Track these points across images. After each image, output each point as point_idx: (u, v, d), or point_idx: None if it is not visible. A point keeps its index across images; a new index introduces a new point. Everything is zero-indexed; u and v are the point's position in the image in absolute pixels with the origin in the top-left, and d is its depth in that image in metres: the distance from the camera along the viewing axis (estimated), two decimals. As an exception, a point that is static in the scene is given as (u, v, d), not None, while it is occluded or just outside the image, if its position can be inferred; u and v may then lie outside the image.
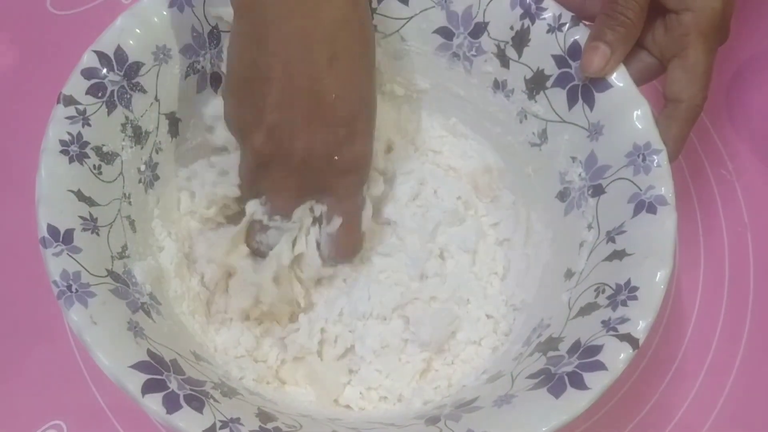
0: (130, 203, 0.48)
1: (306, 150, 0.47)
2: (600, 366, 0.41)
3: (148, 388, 0.39)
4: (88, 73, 0.46)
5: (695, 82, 0.47)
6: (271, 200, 0.50)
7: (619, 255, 0.45)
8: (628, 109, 0.47)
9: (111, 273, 0.43)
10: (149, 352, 0.41)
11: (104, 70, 0.47)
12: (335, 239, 0.51)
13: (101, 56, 0.47)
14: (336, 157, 0.47)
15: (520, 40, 0.51)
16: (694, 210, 0.61)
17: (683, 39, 0.47)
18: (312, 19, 0.44)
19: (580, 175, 0.50)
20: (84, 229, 0.43)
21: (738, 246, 0.60)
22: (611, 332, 0.42)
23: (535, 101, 0.52)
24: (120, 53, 0.47)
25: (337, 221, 0.50)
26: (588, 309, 0.45)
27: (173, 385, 0.40)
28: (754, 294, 0.58)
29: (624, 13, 0.47)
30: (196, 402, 0.39)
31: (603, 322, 0.43)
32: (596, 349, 0.42)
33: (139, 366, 0.40)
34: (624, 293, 0.43)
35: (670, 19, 0.48)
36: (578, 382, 0.40)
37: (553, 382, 0.41)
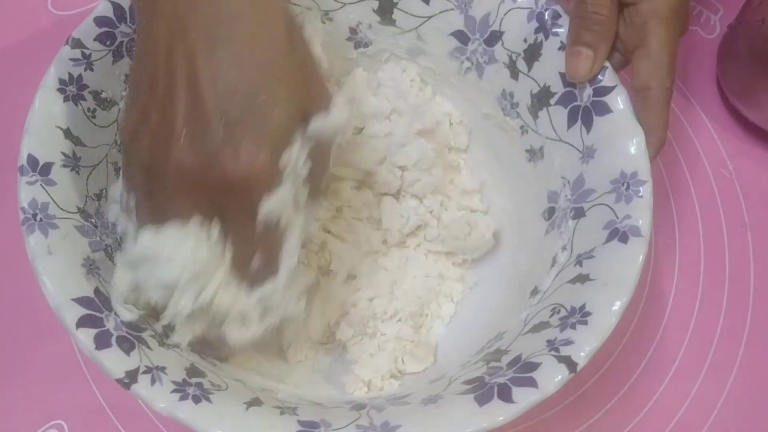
0: (119, 151, 0.49)
1: (180, 159, 0.37)
2: (531, 383, 0.40)
3: (84, 322, 0.40)
4: (100, 21, 0.48)
5: (661, 67, 0.47)
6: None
7: (582, 279, 0.45)
8: (623, 136, 0.47)
9: (81, 211, 0.45)
10: (96, 291, 0.42)
11: (117, 21, 0.49)
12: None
13: (116, 7, 0.48)
14: (217, 169, 0.37)
15: (532, 53, 0.51)
16: (694, 210, 0.60)
17: (644, 27, 0.47)
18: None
19: (566, 196, 0.49)
20: (64, 165, 0.45)
21: (738, 246, 0.59)
22: (552, 352, 0.41)
23: (538, 117, 0.51)
24: (135, 7, 0.49)
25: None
26: (539, 327, 0.44)
27: (110, 325, 0.41)
28: (754, 294, 0.58)
29: (596, 11, 0.47)
30: (127, 344, 0.40)
31: (548, 341, 0.42)
32: (533, 366, 0.41)
33: (82, 300, 0.41)
34: (576, 316, 0.43)
35: (628, 12, 0.48)
36: (506, 395, 0.40)
37: (482, 390, 0.41)
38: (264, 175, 0.38)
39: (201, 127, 0.37)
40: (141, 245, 0.40)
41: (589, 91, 0.48)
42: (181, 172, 0.37)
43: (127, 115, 0.40)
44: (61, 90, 0.46)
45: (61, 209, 0.44)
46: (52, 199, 0.44)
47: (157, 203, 0.40)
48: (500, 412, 0.39)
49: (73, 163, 0.46)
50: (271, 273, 0.41)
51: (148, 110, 0.38)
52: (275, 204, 0.39)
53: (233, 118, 0.37)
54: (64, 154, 0.45)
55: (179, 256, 0.40)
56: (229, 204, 0.39)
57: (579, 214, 0.48)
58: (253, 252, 0.40)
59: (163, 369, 0.40)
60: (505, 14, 0.51)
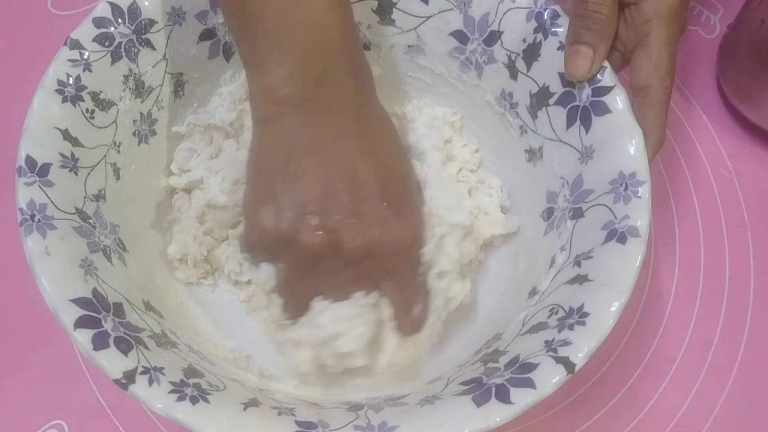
0: (118, 152, 0.49)
1: (358, 236, 0.44)
2: (529, 383, 0.40)
3: (82, 323, 0.40)
4: (98, 22, 0.48)
5: (661, 66, 0.47)
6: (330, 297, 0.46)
7: (580, 279, 0.45)
8: (622, 137, 0.47)
9: (79, 212, 0.45)
10: (94, 291, 0.42)
11: (115, 22, 0.49)
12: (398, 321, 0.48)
13: (114, 8, 0.49)
14: (387, 239, 0.44)
15: (531, 53, 0.51)
16: (694, 210, 0.60)
17: (645, 27, 0.47)
18: (333, 113, 0.44)
19: (565, 196, 0.49)
20: (62, 166, 0.45)
21: (738, 246, 0.59)
22: (550, 353, 0.41)
23: (537, 117, 0.51)
24: (134, 8, 0.49)
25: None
26: (537, 328, 0.44)
27: (107, 326, 0.41)
28: (754, 294, 0.58)
29: (597, 10, 0.47)
30: (125, 345, 0.41)
31: (546, 342, 0.42)
32: (530, 367, 0.41)
33: (80, 301, 0.41)
34: (574, 317, 0.43)
35: (629, 11, 0.48)
36: (503, 396, 0.40)
37: (480, 391, 0.41)
38: (421, 234, 0.47)
39: (372, 205, 0.44)
40: (325, 326, 0.46)
41: (588, 91, 0.48)
42: (360, 244, 0.44)
43: (275, 216, 0.44)
44: (59, 91, 0.46)
45: (59, 210, 0.44)
46: (50, 200, 0.44)
47: (324, 277, 0.45)
48: (498, 413, 0.39)
49: (71, 164, 0.46)
50: (425, 319, 0.48)
51: (306, 204, 0.43)
52: (431, 252, 0.47)
53: (393, 201, 0.45)
54: (62, 155, 0.45)
55: (357, 329, 0.46)
56: (396, 265, 0.46)
57: (578, 214, 0.48)
58: (412, 304, 0.47)
59: (161, 369, 0.40)
60: (504, 14, 0.51)
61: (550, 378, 0.40)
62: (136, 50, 0.50)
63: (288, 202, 0.43)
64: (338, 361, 0.47)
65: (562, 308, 0.44)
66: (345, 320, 0.46)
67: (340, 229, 0.43)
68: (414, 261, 0.47)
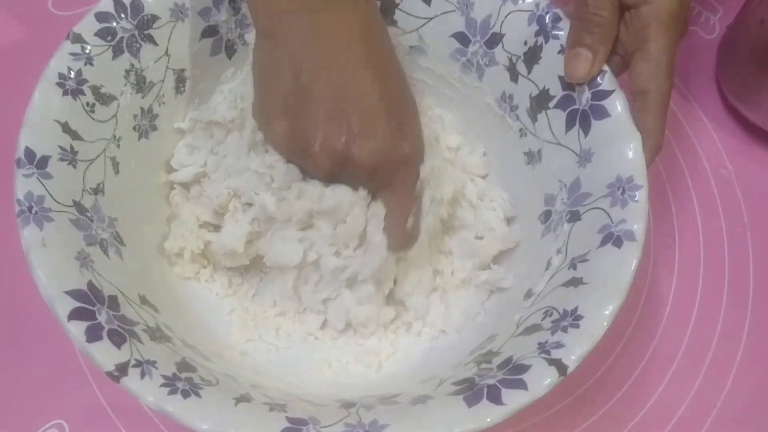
0: (118, 146, 0.49)
1: (368, 154, 0.46)
2: (521, 384, 0.40)
3: (75, 314, 0.40)
4: (101, 17, 0.48)
5: (660, 71, 0.47)
6: None
7: (575, 282, 0.45)
8: (620, 141, 0.47)
9: (77, 204, 0.45)
10: (90, 284, 0.42)
11: (117, 17, 0.49)
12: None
13: (117, 3, 0.49)
14: (392, 153, 0.47)
15: (532, 56, 0.51)
16: (694, 210, 0.60)
17: (644, 31, 0.47)
18: (340, 27, 0.45)
19: (562, 199, 0.49)
20: (61, 159, 0.45)
21: (738, 246, 0.59)
22: (543, 355, 0.41)
23: (536, 120, 0.51)
24: (136, 3, 0.49)
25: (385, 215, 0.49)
26: (531, 330, 0.44)
27: (101, 318, 0.41)
28: (754, 294, 0.58)
29: (598, 13, 0.47)
30: (118, 337, 0.41)
31: (539, 344, 0.42)
32: (523, 368, 0.41)
33: (74, 293, 0.41)
34: (568, 320, 0.43)
35: (629, 16, 0.48)
36: (495, 396, 0.40)
37: (471, 391, 0.41)
38: (422, 150, 0.49)
39: (380, 122, 0.46)
40: (331, 197, 0.48)
41: (587, 94, 0.48)
42: (368, 158, 0.46)
43: (290, 132, 0.47)
44: (60, 84, 0.46)
45: (57, 202, 0.44)
46: (48, 192, 0.44)
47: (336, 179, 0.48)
48: (488, 414, 0.39)
49: (70, 156, 0.46)
50: (416, 237, 0.50)
51: (318, 122, 0.45)
52: (430, 168, 0.49)
53: (397, 118, 0.47)
54: (61, 147, 0.45)
55: (357, 215, 0.49)
56: (397, 177, 0.48)
57: (575, 217, 0.48)
58: (407, 215, 0.49)
59: (153, 363, 0.40)
60: (506, 16, 0.51)
61: (542, 380, 0.40)
62: (137, 45, 0.50)
63: (300, 121, 0.45)
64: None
65: (557, 311, 0.44)
66: (348, 201, 0.48)
67: (350, 148, 0.45)
68: (414, 174, 0.49)
